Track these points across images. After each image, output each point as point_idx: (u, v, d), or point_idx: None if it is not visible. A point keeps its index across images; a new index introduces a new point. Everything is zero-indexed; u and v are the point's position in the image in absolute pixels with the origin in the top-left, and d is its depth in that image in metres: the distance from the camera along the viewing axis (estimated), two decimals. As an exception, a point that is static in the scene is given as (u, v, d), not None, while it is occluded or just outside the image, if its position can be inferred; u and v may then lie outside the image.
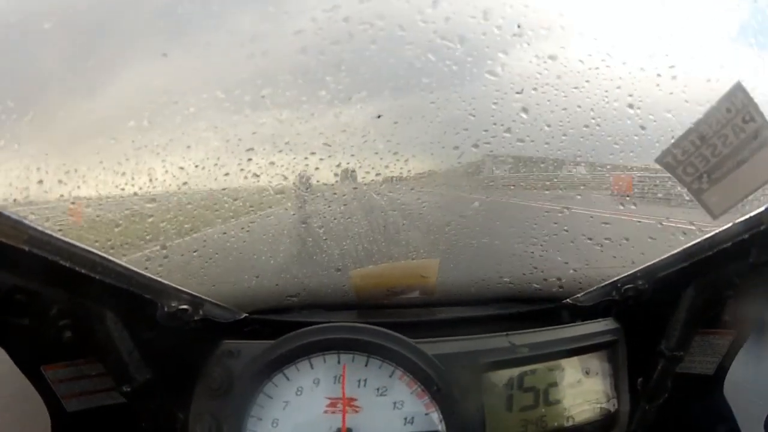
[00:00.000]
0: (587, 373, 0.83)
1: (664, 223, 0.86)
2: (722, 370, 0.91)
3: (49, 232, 0.55)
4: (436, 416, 0.72)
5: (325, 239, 0.92)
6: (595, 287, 0.87)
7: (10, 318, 0.64)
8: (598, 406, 0.83)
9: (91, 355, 0.73)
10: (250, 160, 0.74)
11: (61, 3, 0.66)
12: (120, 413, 0.76)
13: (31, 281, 0.59)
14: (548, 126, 0.78)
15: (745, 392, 0.94)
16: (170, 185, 0.73)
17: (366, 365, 0.73)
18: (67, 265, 0.57)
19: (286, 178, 0.77)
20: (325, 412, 0.72)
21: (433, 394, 0.72)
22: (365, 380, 0.73)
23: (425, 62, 0.71)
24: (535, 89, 0.75)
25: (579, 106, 0.78)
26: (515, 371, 0.77)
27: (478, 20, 0.70)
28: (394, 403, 0.72)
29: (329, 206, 0.88)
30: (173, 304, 0.71)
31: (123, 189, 0.72)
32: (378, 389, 0.73)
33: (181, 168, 0.72)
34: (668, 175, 0.72)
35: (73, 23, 0.66)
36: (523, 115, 0.75)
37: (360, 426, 0.71)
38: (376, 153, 0.79)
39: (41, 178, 0.70)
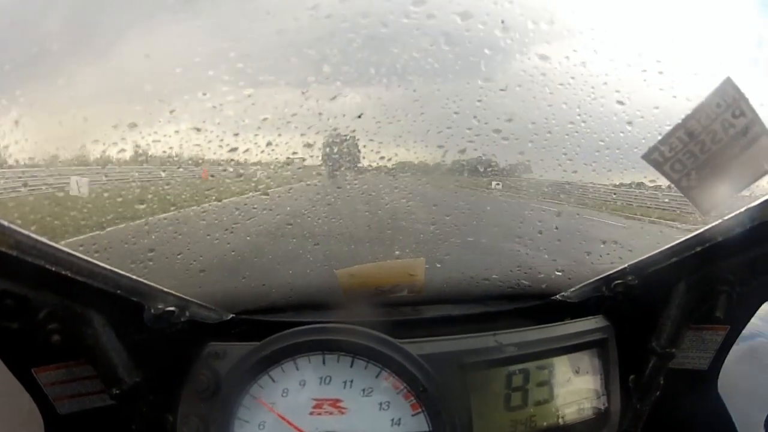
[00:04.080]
0: (577, 371, 0.82)
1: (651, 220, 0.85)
2: (716, 366, 0.90)
3: (35, 236, 0.55)
4: (422, 417, 0.72)
5: (311, 239, 0.91)
6: (584, 283, 0.86)
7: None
8: (589, 404, 0.82)
9: (81, 358, 0.73)
10: (231, 160, 0.74)
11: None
12: (111, 415, 0.77)
13: (18, 285, 0.59)
14: (533, 123, 0.77)
15: (745, 392, 0.93)
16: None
17: (351, 366, 0.72)
18: (54, 269, 0.57)
19: (269, 178, 0.77)
20: (311, 413, 0.72)
21: (419, 395, 0.71)
22: (351, 381, 0.72)
23: (408, 60, 0.71)
24: (519, 86, 0.74)
25: (564, 103, 0.77)
26: (503, 371, 0.77)
27: (461, 17, 0.69)
28: (380, 404, 0.72)
29: (314, 206, 0.88)
30: (160, 306, 0.71)
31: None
32: (364, 390, 0.72)
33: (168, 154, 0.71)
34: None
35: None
36: (507, 113, 0.74)
37: (346, 428, 0.71)
38: (359, 152, 0.78)
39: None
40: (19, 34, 0.71)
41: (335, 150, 0.83)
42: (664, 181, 0.72)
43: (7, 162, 0.67)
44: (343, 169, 0.83)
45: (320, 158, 0.80)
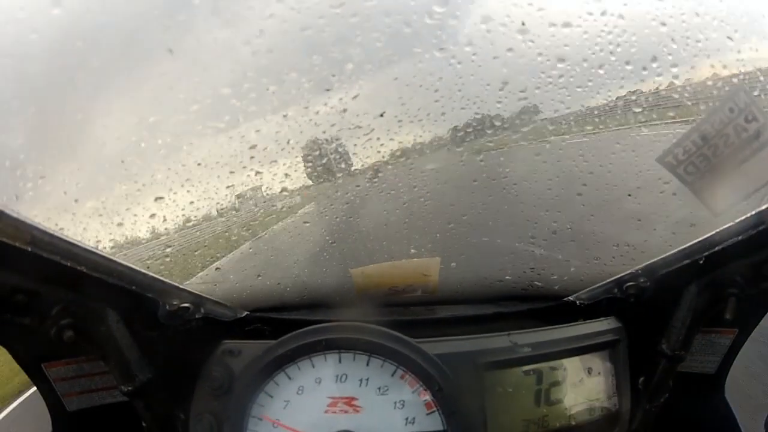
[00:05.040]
0: (589, 372, 0.82)
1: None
2: (723, 369, 0.91)
3: (50, 231, 0.55)
4: (437, 416, 0.72)
5: (328, 237, 0.91)
6: (596, 285, 0.87)
7: (12, 317, 0.64)
8: (600, 405, 0.83)
9: (93, 354, 0.73)
10: (252, 158, 0.74)
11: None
12: (120, 412, 0.76)
13: (32, 281, 0.58)
14: (552, 125, 0.78)
15: (746, 392, 0.94)
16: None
17: (367, 364, 0.72)
18: (69, 264, 0.57)
19: (288, 176, 0.77)
20: (326, 411, 0.72)
21: (434, 394, 0.71)
22: (366, 379, 0.72)
23: (430, 60, 0.71)
24: (538, 88, 0.75)
25: (582, 105, 0.78)
26: (517, 371, 0.77)
27: (483, 20, 0.70)
28: (395, 402, 0.72)
29: (332, 204, 0.88)
30: (174, 303, 0.70)
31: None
32: (379, 389, 0.72)
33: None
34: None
35: (75, 34, 0.65)
36: (528, 116, 0.75)
37: (361, 426, 0.71)
38: (379, 151, 0.79)
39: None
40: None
41: (321, 155, 0.82)
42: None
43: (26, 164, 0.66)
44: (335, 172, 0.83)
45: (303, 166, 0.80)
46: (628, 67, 0.75)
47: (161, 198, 0.72)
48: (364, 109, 0.74)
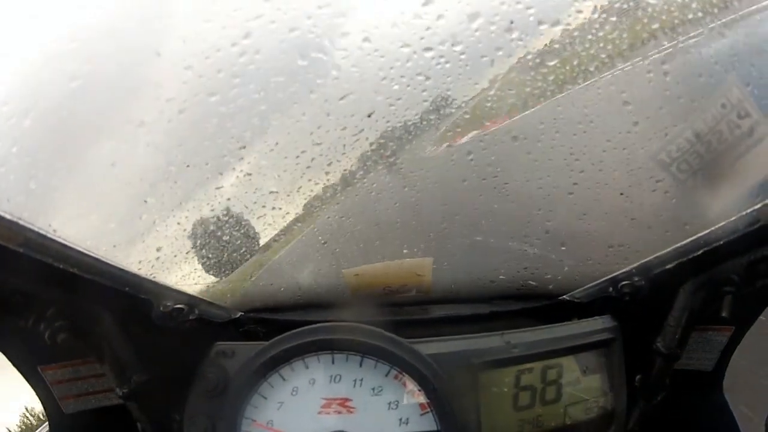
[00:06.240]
0: (584, 371, 0.82)
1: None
2: (721, 367, 0.90)
3: (44, 233, 0.56)
4: (431, 417, 0.72)
5: (320, 237, 0.91)
6: (591, 284, 0.86)
7: (7, 319, 0.64)
8: (596, 404, 0.82)
9: (88, 356, 0.73)
10: (241, 159, 0.74)
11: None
12: (117, 415, 0.76)
13: (26, 282, 0.59)
14: (542, 123, 0.77)
15: (745, 389, 0.93)
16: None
17: (361, 365, 0.72)
18: (62, 266, 0.57)
19: (277, 175, 0.78)
20: (320, 412, 0.72)
21: (428, 394, 0.71)
22: (360, 380, 0.72)
23: (418, 59, 0.71)
24: (528, 87, 0.75)
25: (572, 104, 0.77)
26: (512, 370, 0.77)
27: (470, 19, 0.70)
28: (389, 403, 0.72)
29: (323, 204, 0.88)
30: (168, 304, 0.71)
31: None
32: (373, 389, 0.72)
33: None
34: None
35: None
36: (518, 113, 0.75)
37: (355, 427, 0.71)
38: (367, 150, 0.78)
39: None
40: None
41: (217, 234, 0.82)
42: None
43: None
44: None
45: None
46: (619, 65, 0.74)
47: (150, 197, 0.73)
48: (351, 111, 0.73)
